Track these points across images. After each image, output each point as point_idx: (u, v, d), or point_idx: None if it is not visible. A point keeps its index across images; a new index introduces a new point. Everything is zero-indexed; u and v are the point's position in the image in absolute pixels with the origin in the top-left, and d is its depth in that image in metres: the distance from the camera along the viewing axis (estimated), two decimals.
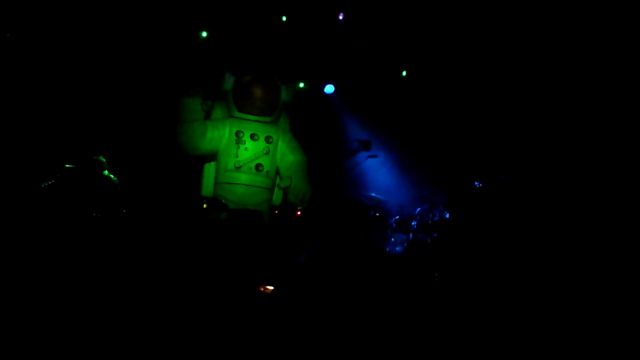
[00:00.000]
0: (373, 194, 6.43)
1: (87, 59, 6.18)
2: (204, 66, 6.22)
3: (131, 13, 6.13)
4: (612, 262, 4.47)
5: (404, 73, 7.10)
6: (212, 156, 5.91)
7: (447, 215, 5.80)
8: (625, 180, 5.19)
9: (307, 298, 4.21)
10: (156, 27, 6.25)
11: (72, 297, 3.75)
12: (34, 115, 5.92)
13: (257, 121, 6.02)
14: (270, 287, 4.61)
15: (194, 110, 5.85)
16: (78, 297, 3.76)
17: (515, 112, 6.52)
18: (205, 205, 5.25)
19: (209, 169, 5.96)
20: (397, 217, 6.29)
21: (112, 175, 5.20)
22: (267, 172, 5.92)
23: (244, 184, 5.79)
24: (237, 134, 5.88)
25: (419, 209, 6.16)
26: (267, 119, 6.07)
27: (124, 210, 4.94)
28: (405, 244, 6.04)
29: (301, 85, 6.45)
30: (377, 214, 6.19)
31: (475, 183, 5.46)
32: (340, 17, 6.58)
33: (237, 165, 5.81)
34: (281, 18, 6.53)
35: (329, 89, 6.79)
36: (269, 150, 5.96)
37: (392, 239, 6.23)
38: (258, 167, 5.86)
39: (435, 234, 5.55)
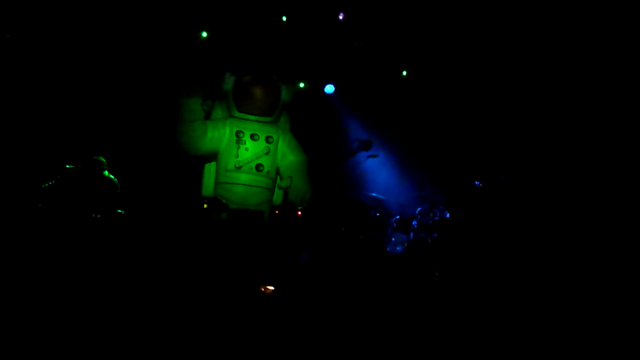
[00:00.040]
0: (373, 194, 6.43)
1: (88, 59, 6.18)
2: (204, 66, 6.22)
3: (131, 13, 6.14)
4: (612, 262, 4.47)
5: (404, 73, 7.10)
6: (213, 156, 5.92)
7: (448, 215, 5.80)
8: (625, 180, 5.19)
9: (308, 298, 4.21)
10: (156, 27, 6.25)
11: (72, 297, 3.75)
12: (35, 116, 5.93)
13: (257, 121, 6.02)
14: (271, 287, 4.61)
15: (194, 110, 5.86)
16: (78, 297, 3.76)
17: (515, 111, 6.52)
18: (205, 205, 5.25)
19: (210, 169, 5.97)
20: (398, 216, 6.28)
21: (112, 176, 5.20)
22: (268, 172, 5.92)
23: (244, 184, 5.79)
24: (237, 134, 5.88)
25: (419, 208, 6.16)
26: (268, 118, 6.07)
27: (121, 211, 4.93)
28: (405, 244, 6.03)
29: (301, 85, 6.45)
30: (378, 214, 6.19)
31: (476, 182, 5.47)
32: (341, 17, 6.58)
33: (237, 165, 5.81)
34: (281, 18, 6.53)
35: (329, 88, 6.79)
36: (269, 150, 5.96)
37: (393, 239, 6.23)
38: (258, 167, 5.86)
39: (436, 234, 5.55)
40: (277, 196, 6.13)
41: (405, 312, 4.08)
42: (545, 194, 5.37)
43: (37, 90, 5.97)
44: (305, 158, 6.18)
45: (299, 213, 5.75)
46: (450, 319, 3.93)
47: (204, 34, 6.35)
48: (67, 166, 4.91)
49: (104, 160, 5.21)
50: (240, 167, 5.81)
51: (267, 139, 5.98)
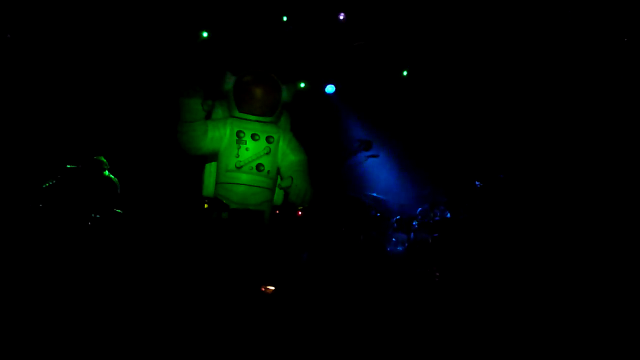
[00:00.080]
0: (374, 194, 6.43)
1: (88, 59, 6.18)
2: (204, 66, 6.21)
3: (131, 13, 6.13)
4: (613, 261, 4.47)
5: (405, 73, 7.10)
6: (213, 156, 5.91)
7: (448, 215, 5.80)
8: (625, 180, 5.19)
9: (308, 298, 4.21)
10: (156, 27, 6.25)
11: (73, 297, 3.75)
12: (35, 116, 5.92)
13: (258, 121, 6.02)
14: (272, 287, 4.61)
15: (194, 110, 5.85)
16: (78, 297, 3.76)
17: (515, 111, 6.52)
18: (206, 205, 5.25)
19: (210, 169, 5.96)
20: (398, 216, 6.28)
21: (112, 176, 5.20)
22: (268, 172, 5.92)
23: (245, 184, 5.79)
24: (238, 133, 5.88)
25: (419, 208, 6.16)
26: (268, 118, 6.07)
27: (120, 211, 4.93)
28: (406, 244, 6.03)
29: (302, 85, 6.45)
30: (378, 214, 6.19)
31: (476, 182, 5.47)
32: (341, 17, 6.58)
33: (238, 165, 5.81)
34: (282, 18, 6.53)
35: (330, 88, 6.79)
36: (269, 150, 5.96)
37: (393, 239, 6.22)
38: (259, 167, 5.86)
39: (436, 234, 5.55)
40: (278, 196, 6.13)
41: (406, 312, 4.08)
42: (546, 194, 5.37)
43: (38, 90, 5.97)
44: (306, 158, 6.18)
45: (300, 213, 5.75)
46: (451, 319, 3.93)
47: (205, 34, 6.35)
48: (68, 166, 4.91)
49: (105, 160, 5.21)
50: (241, 167, 5.81)
51: (268, 139, 5.98)
